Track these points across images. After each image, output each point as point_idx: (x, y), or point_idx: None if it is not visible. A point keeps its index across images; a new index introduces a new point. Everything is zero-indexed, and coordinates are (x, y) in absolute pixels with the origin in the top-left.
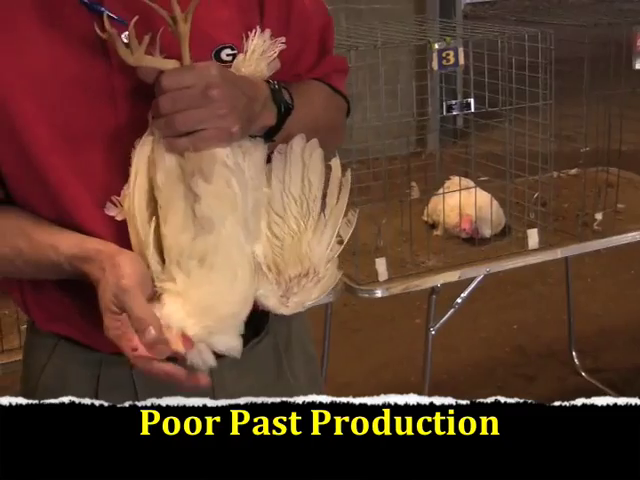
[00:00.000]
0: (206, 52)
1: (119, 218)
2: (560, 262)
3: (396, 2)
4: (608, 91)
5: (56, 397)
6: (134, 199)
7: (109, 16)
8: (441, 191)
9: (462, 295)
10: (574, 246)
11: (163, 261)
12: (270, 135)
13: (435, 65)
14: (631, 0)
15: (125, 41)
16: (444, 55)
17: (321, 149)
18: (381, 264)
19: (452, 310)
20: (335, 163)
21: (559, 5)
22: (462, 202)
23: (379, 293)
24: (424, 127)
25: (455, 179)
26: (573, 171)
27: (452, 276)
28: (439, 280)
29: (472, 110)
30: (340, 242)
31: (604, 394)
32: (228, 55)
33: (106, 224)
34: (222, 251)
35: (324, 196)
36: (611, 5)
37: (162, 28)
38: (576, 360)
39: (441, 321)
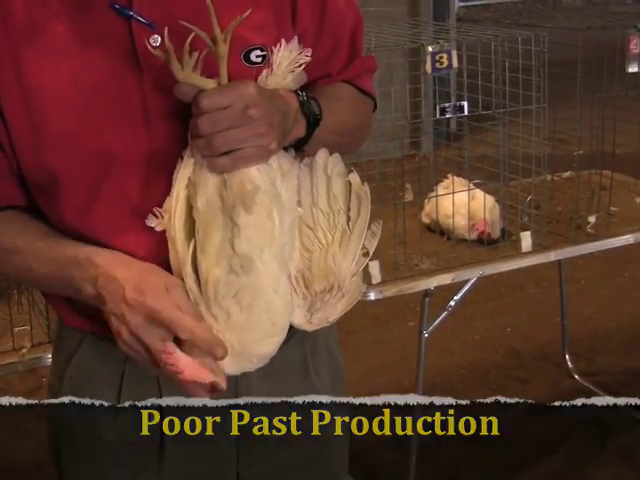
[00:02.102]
0: (235, 53)
1: (159, 229)
2: (554, 265)
3: (390, 5)
4: (601, 94)
5: (81, 390)
6: (174, 218)
7: (137, 19)
8: (440, 191)
9: (455, 298)
10: (567, 249)
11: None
12: (300, 145)
13: (429, 68)
14: (625, 3)
15: (153, 44)
16: (438, 58)
17: (343, 164)
18: (374, 267)
19: (445, 313)
20: (354, 177)
21: (553, 8)
22: (468, 203)
23: (372, 296)
24: (418, 130)
25: (452, 179)
26: (567, 174)
27: (445, 279)
28: (432, 283)
29: (465, 113)
30: (366, 254)
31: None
32: (257, 56)
33: (139, 246)
34: (257, 291)
35: (348, 210)
36: (605, 8)
37: (192, 34)
38: (569, 363)
39: (434, 324)
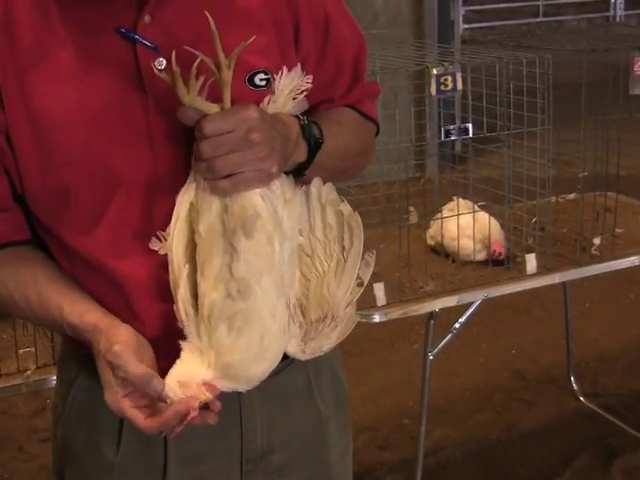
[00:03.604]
0: (239, 76)
1: (161, 252)
2: (558, 287)
3: (394, 27)
4: (605, 116)
5: (84, 411)
6: (173, 241)
7: (142, 43)
8: (445, 214)
9: (460, 320)
10: (572, 271)
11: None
12: (301, 170)
13: (433, 90)
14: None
15: (159, 67)
16: (442, 80)
17: (335, 193)
18: (379, 289)
19: (450, 335)
20: (345, 207)
21: (556, 30)
22: (473, 226)
23: (377, 318)
24: (423, 152)
25: (457, 201)
26: (571, 196)
27: (450, 301)
28: (437, 305)
29: (470, 135)
30: (360, 284)
31: (603, 419)
32: (261, 79)
33: (141, 269)
34: (254, 316)
35: (342, 239)
36: (609, 30)
37: (198, 59)
38: (574, 385)
39: (439, 346)
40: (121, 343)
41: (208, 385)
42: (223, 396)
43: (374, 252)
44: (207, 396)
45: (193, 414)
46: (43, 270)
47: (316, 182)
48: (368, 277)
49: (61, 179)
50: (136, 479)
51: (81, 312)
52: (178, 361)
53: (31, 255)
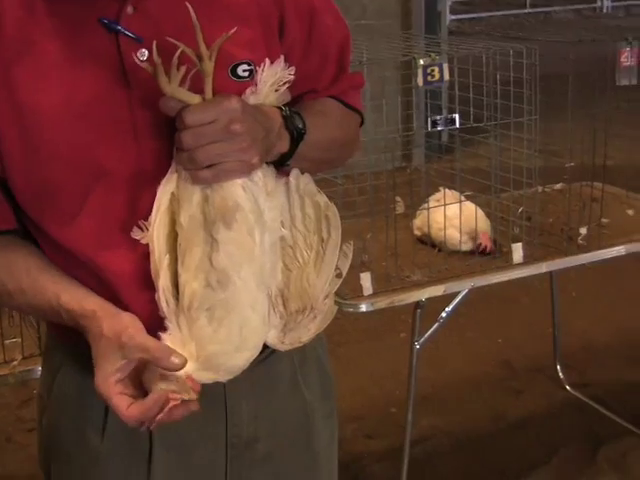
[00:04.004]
0: (223, 68)
1: (144, 242)
2: (545, 276)
3: (382, 18)
4: (593, 107)
5: (69, 401)
6: (154, 231)
7: (125, 33)
8: (432, 204)
9: (447, 309)
10: (559, 260)
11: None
12: (284, 161)
13: (420, 81)
14: (616, 16)
15: (141, 58)
16: (429, 71)
17: (313, 184)
18: (366, 279)
19: (437, 324)
20: (321, 198)
21: (544, 21)
22: (462, 216)
23: (364, 308)
24: (409, 142)
25: (445, 192)
26: (558, 186)
27: (437, 290)
28: (424, 294)
29: (457, 126)
30: (339, 275)
31: (591, 409)
32: (244, 71)
33: (125, 261)
34: (233, 307)
35: (320, 230)
36: (596, 21)
37: (179, 50)
38: (562, 375)
39: (426, 335)
40: (132, 326)
41: (191, 381)
42: (209, 384)
43: (351, 243)
44: (190, 395)
45: (174, 403)
46: (34, 259)
47: (294, 173)
48: (346, 268)
49: (46, 173)
50: (122, 466)
51: (80, 298)
52: None
53: (20, 244)
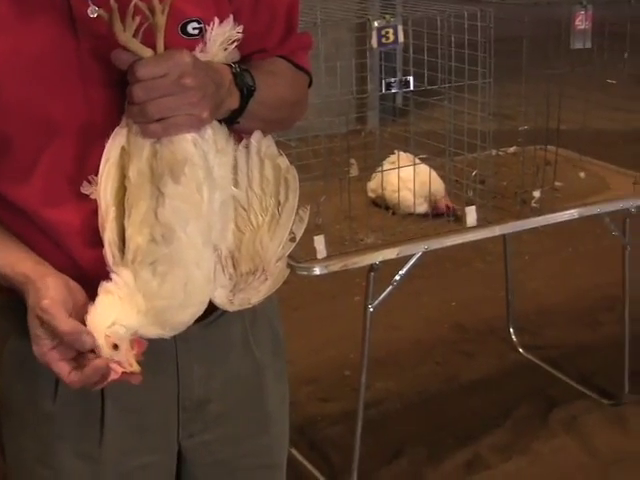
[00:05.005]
0: (172, 25)
1: (93, 197)
2: (499, 240)
3: None
4: (547, 70)
5: (22, 363)
6: (102, 185)
7: None
8: (386, 167)
9: (401, 272)
10: (512, 223)
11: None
12: (234, 118)
13: (375, 43)
14: None
15: (91, 14)
16: (384, 33)
17: (275, 147)
18: (320, 242)
19: (391, 287)
20: (282, 161)
21: None
22: (417, 178)
23: (317, 270)
24: (364, 105)
25: (400, 155)
26: (512, 149)
27: (391, 253)
28: (378, 257)
29: (411, 88)
30: (293, 239)
31: (543, 371)
32: (194, 29)
33: (75, 217)
34: (177, 262)
35: (278, 193)
36: None
37: (132, 3)
38: (514, 337)
39: (380, 298)
40: (50, 298)
41: (137, 342)
42: (160, 345)
43: (308, 208)
44: (133, 368)
45: (114, 376)
46: None
47: (257, 135)
48: (301, 232)
49: None
50: (74, 428)
51: (12, 262)
52: (102, 306)
53: None
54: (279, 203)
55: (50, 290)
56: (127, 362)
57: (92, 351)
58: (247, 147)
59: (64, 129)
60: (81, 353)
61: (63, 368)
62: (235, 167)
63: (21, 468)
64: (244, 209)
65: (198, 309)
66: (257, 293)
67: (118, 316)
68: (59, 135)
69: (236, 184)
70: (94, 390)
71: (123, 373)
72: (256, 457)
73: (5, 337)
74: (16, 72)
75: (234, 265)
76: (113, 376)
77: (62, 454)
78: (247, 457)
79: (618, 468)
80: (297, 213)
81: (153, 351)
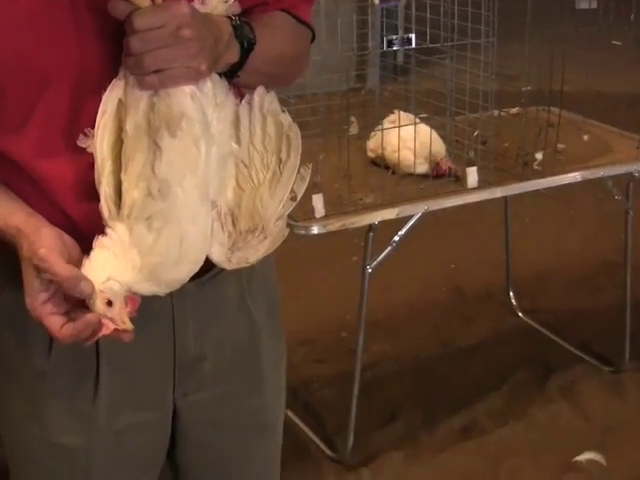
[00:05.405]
0: None
1: (90, 150)
2: (499, 202)
3: None
4: (551, 30)
5: (13, 320)
6: (97, 138)
7: None
8: (387, 125)
9: (400, 233)
10: (514, 185)
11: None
12: (234, 72)
13: None
14: None
15: None
16: None
17: (277, 103)
18: (318, 201)
19: (389, 248)
20: (285, 118)
21: None
22: (417, 138)
23: (315, 230)
24: (364, 62)
25: (401, 115)
26: (514, 110)
27: (390, 213)
28: (377, 217)
29: (413, 46)
30: (293, 198)
31: (541, 335)
32: None
33: (68, 170)
34: (173, 218)
35: (279, 151)
36: None
37: None
38: (513, 301)
39: (378, 259)
40: (46, 247)
41: (131, 299)
42: (156, 302)
43: (309, 166)
44: (126, 325)
45: (105, 332)
46: None
47: (259, 90)
48: (302, 191)
49: None
50: (68, 385)
51: (5, 215)
52: (97, 260)
53: None
54: (280, 161)
55: (45, 240)
56: (120, 319)
57: (85, 307)
58: (250, 103)
59: (58, 80)
60: (73, 308)
61: (54, 322)
62: (237, 123)
63: (12, 423)
64: (245, 166)
65: (194, 266)
66: (255, 252)
67: (113, 272)
68: (53, 86)
69: (237, 140)
70: (88, 346)
71: (115, 330)
72: (250, 417)
73: None
74: (8, 22)
75: (233, 222)
76: (104, 331)
77: (54, 411)
78: (241, 417)
79: (615, 435)
80: (299, 172)
81: (149, 308)
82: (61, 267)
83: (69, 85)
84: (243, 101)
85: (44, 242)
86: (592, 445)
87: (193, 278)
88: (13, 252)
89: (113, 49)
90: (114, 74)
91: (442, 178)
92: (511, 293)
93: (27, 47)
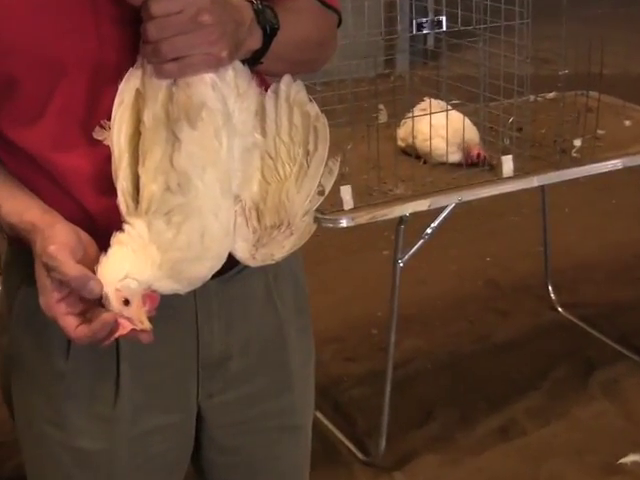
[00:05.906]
0: None
1: (106, 143)
2: (535, 191)
3: None
4: (589, 10)
5: (32, 319)
6: (114, 129)
7: None
8: (417, 113)
9: (432, 225)
10: (551, 174)
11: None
12: (257, 59)
13: None
14: None
15: None
16: None
17: (304, 92)
18: (346, 192)
19: (422, 241)
20: (312, 108)
21: None
22: (450, 125)
23: (344, 222)
24: (393, 47)
25: (429, 102)
26: (551, 95)
27: (422, 205)
28: (408, 209)
29: (444, 29)
30: (321, 193)
31: (581, 330)
32: None
33: (86, 162)
34: (193, 212)
35: (307, 143)
36: None
37: None
38: (552, 294)
39: (409, 253)
40: (58, 244)
41: (149, 297)
42: (178, 301)
43: (338, 159)
44: (144, 325)
45: (122, 332)
46: None
47: (286, 79)
48: (330, 185)
49: (5, 68)
50: (88, 386)
51: (20, 211)
52: (114, 258)
53: None
54: (308, 153)
55: (58, 237)
56: (137, 319)
57: (101, 306)
58: (276, 92)
59: (74, 69)
60: (89, 308)
61: (69, 322)
62: (262, 114)
63: (30, 428)
64: (271, 158)
65: (216, 263)
66: (281, 249)
67: (131, 269)
68: (69, 76)
69: (263, 132)
70: (107, 347)
71: (132, 330)
72: (278, 418)
73: (16, 290)
74: (23, 11)
75: (258, 218)
76: (121, 331)
77: (74, 415)
78: (269, 418)
79: None
80: (326, 164)
81: (171, 307)
82: (69, 266)
83: (86, 74)
84: (269, 91)
85: (57, 238)
86: (637, 446)
87: (216, 275)
88: (29, 249)
89: (131, 37)
90: (132, 63)
91: (476, 167)
92: (549, 286)
93: (44, 35)
